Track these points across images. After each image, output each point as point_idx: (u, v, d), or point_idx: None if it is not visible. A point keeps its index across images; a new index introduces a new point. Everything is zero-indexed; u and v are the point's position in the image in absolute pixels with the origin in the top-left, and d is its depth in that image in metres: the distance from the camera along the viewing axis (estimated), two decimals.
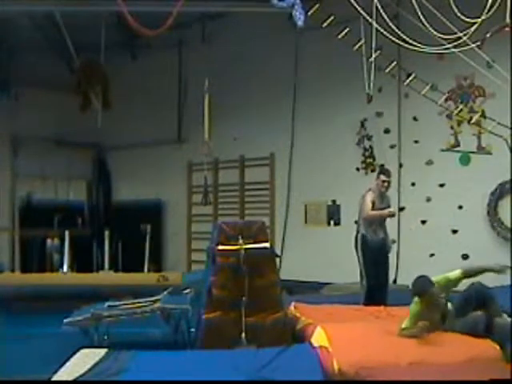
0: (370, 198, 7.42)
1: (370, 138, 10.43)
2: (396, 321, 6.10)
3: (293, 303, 6.73)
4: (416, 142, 9.86)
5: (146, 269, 11.53)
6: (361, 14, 6.90)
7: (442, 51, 7.25)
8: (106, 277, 10.52)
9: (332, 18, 7.96)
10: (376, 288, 7.35)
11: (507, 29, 7.02)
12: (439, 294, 5.33)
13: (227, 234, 5.90)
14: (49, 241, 11.74)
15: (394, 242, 9.64)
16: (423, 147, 9.78)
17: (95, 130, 11.56)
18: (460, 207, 9.35)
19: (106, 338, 6.22)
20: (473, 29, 6.78)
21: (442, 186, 9.61)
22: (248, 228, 5.97)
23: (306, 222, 11.16)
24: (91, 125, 11.47)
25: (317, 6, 7.88)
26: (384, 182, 7.49)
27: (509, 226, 8.86)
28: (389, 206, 7.57)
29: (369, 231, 7.43)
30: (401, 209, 9.73)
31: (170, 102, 12.71)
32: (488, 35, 7.25)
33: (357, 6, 6.71)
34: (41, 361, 5.63)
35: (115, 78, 11.77)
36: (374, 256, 7.42)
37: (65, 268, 11.06)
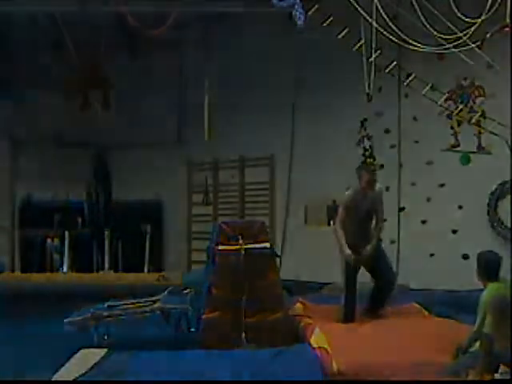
0: (343, 206, 6.40)
1: (370, 138, 10.43)
2: (398, 320, 6.09)
3: (299, 298, 6.75)
4: (416, 142, 9.85)
5: (146, 269, 11.54)
6: (361, 13, 6.90)
7: (442, 51, 7.25)
8: (106, 277, 10.54)
9: (332, 18, 7.94)
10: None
11: (507, 29, 7.02)
12: None
13: (227, 234, 5.91)
14: (49, 241, 11.76)
15: (393, 242, 9.66)
16: (423, 147, 9.78)
17: (95, 130, 11.56)
18: (460, 207, 9.34)
19: (105, 337, 6.23)
20: (473, 29, 6.78)
21: (441, 185, 9.61)
22: (248, 228, 5.99)
23: (306, 222, 11.15)
24: (91, 125, 11.46)
25: (317, 6, 7.87)
26: (369, 182, 6.28)
27: (509, 225, 8.86)
28: (374, 210, 6.37)
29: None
30: (401, 209, 9.72)
31: (170, 101, 12.70)
32: (488, 35, 7.24)
33: (357, 6, 6.71)
34: (41, 361, 5.62)
35: (115, 77, 11.77)
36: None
37: (65, 268, 11.09)
